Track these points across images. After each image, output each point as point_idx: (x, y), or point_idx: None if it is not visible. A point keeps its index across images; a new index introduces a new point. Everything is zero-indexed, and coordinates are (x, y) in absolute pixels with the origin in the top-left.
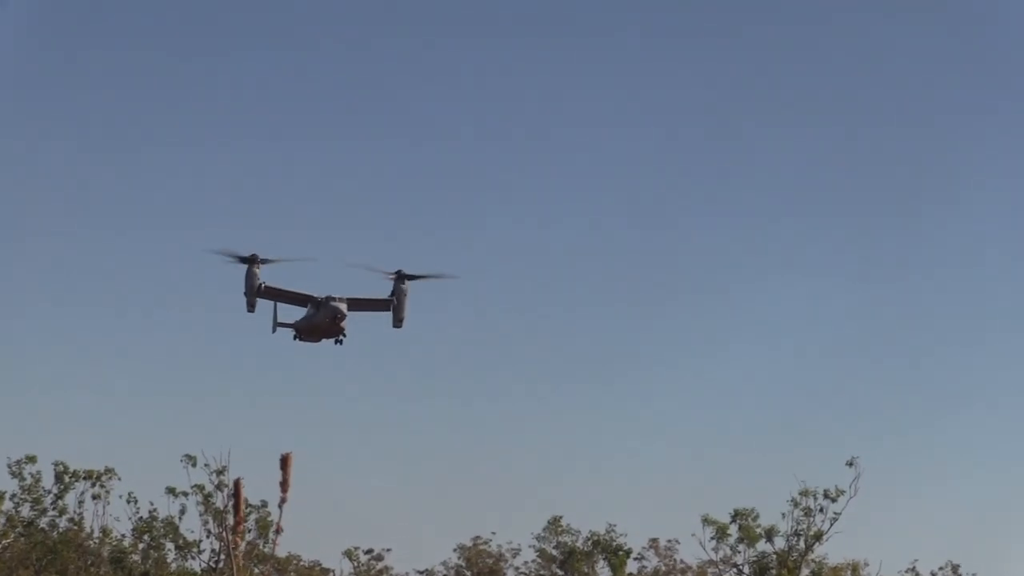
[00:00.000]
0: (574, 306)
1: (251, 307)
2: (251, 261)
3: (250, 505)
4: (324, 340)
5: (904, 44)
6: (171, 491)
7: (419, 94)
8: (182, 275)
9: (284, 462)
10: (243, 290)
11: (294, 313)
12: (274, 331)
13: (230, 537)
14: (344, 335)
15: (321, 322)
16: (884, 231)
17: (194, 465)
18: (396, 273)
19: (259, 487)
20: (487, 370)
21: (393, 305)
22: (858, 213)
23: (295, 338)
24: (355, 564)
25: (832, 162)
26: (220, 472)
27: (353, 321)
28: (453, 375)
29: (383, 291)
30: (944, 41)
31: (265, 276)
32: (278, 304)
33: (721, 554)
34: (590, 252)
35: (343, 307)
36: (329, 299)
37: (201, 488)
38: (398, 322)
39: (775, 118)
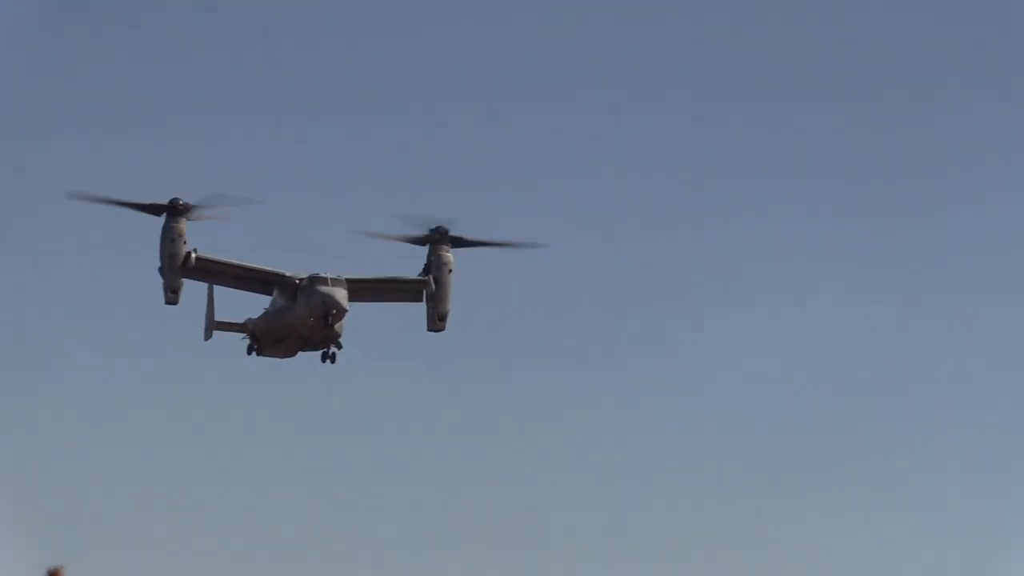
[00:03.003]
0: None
1: (173, 292)
2: (171, 211)
3: None
4: (302, 353)
5: (926, 42)
6: None
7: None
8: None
9: None
10: (158, 263)
11: (246, 306)
12: (208, 336)
13: None
14: (339, 345)
15: (299, 320)
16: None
17: None
18: (434, 233)
19: None
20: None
21: (428, 290)
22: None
23: (250, 350)
24: None
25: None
26: None
27: (357, 320)
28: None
29: (409, 266)
30: (970, 39)
31: (197, 239)
32: (214, 289)
33: None
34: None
35: (340, 293)
36: (315, 279)
37: None
38: (437, 320)
39: (781, 118)
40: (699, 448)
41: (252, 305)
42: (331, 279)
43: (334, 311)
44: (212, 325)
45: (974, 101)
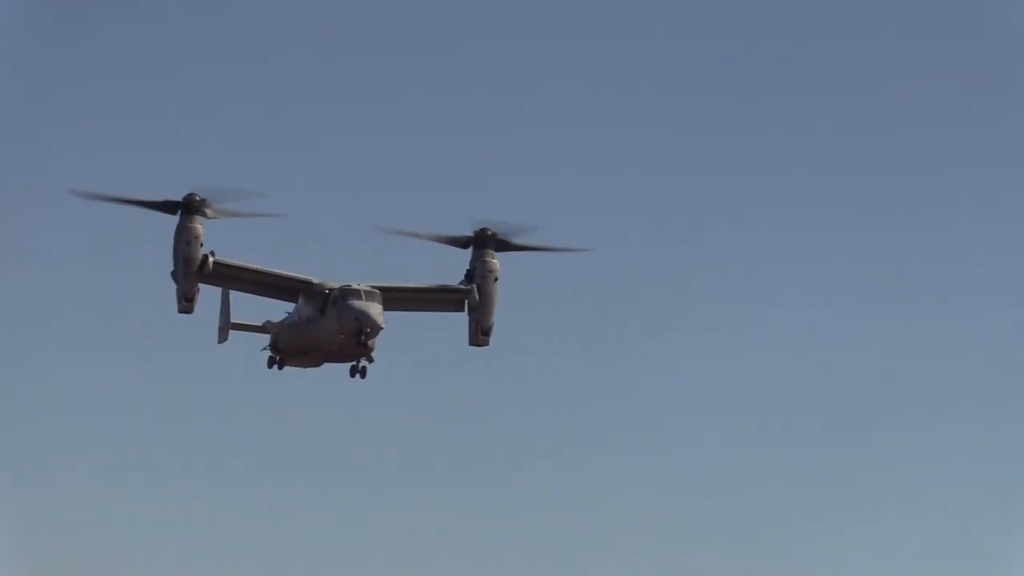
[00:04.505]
0: None
1: (187, 300)
2: (187, 208)
3: None
4: (328, 364)
5: (925, 42)
6: None
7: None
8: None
9: None
10: (171, 267)
11: (263, 307)
12: (223, 337)
13: None
14: (370, 359)
15: (328, 336)
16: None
17: None
18: (477, 236)
19: None
20: None
21: (472, 301)
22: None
23: (272, 362)
24: None
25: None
26: None
27: (391, 328)
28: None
29: (450, 273)
30: (966, 40)
31: (213, 242)
32: (231, 296)
33: None
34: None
35: (375, 309)
36: (347, 292)
37: None
38: (480, 334)
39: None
40: (749, 448)
41: (271, 307)
42: (365, 291)
43: (368, 329)
44: (228, 326)
45: (974, 101)
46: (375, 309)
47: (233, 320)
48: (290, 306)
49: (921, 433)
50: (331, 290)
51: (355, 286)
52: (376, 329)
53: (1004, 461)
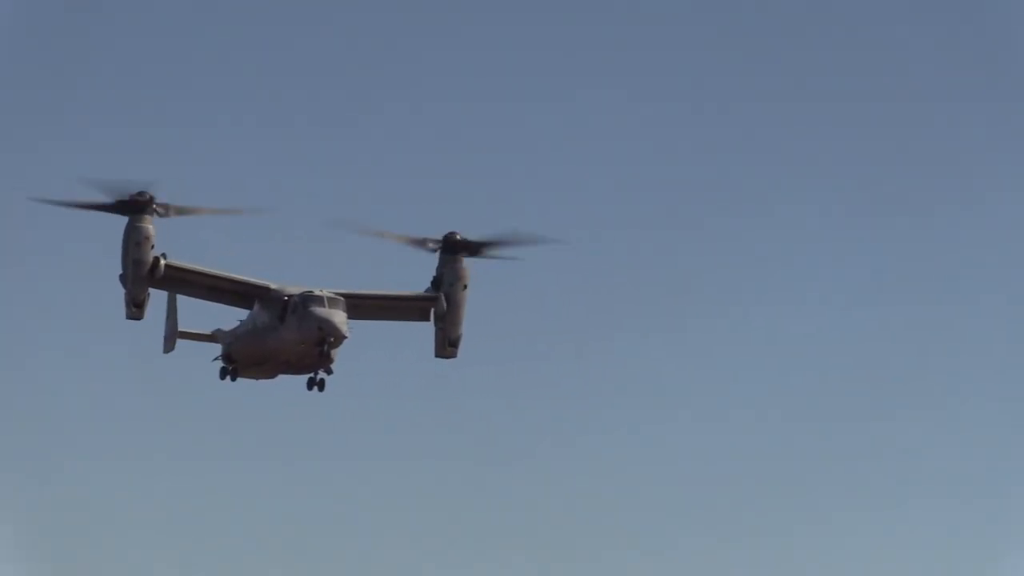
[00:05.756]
0: None
1: (136, 306)
2: (137, 207)
3: None
4: (283, 375)
5: (919, 41)
6: None
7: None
8: None
9: None
10: (120, 270)
11: (211, 315)
12: (169, 347)
13: None
14: (329, 370)
15: (287, 345)
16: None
17: None
18: (445, 240)
19: None
20: None
21: (439, 310)
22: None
23: (224, 373)
24: None
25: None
26: None
27: (351, 342)
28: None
29: (415, 279)
30: (960, 37)
31: (164, 243)
32: (178, 300)
33: None
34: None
35: (339, 317)
36: (309, 298)
37: None
38: (449, 344)
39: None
40: (739, 449)
41: (219, 314)
42: (328, 298)
43: (331, 338)
44: (175, 335)
45: (973, 101)
46: (339, 317)
47: (180, 328)
48: (242, 313)
49: (922, 432)
50: (291, 296)
51: (317, 292)
52: (340, 338)
53: (1004, 460)
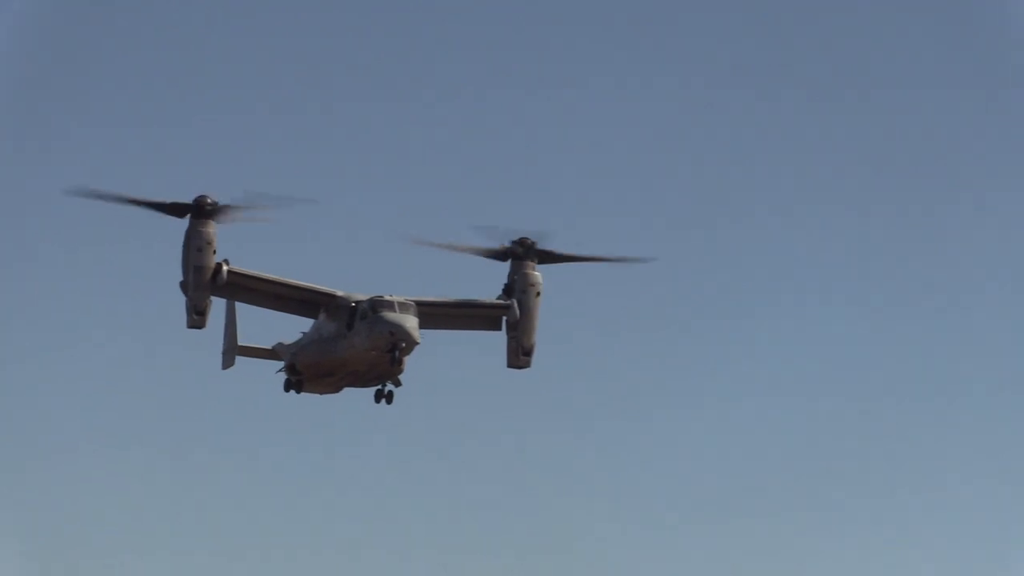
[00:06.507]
0: None
1: (198, 313)
2: (198, 212)
3: None
4: (350, 389)
5: (919, 42)
6: None
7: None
8: None
9: None
10: (180, 277)
11: (278, 330)
12: (228, 363)
13: None
14: (398, 382)
15: (357, 354)
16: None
17: None
18: (517, 246)
19: None
20: None
21: (511, 317)
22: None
23: (288, 386)
24: None
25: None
26: None
27: (419, 349)
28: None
29: (487, 287)
30: (961, 39)
31: (227, 249)
32: (237, 309)
33: None
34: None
35: (410, 322)
36: (379, 303)
37: None
38: (521, 355)
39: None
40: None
41: (279, 326)
42: (398, 303)
43: (403, 344)
44: (234, 349)
45: (974, 101)
46: (411, 322)
47: (239, 343)
48: (305, 323)
49: (925, 431)
50: (359, 303)
51: (387, 297)
52: (412, 344)
53: (1006, 460)
